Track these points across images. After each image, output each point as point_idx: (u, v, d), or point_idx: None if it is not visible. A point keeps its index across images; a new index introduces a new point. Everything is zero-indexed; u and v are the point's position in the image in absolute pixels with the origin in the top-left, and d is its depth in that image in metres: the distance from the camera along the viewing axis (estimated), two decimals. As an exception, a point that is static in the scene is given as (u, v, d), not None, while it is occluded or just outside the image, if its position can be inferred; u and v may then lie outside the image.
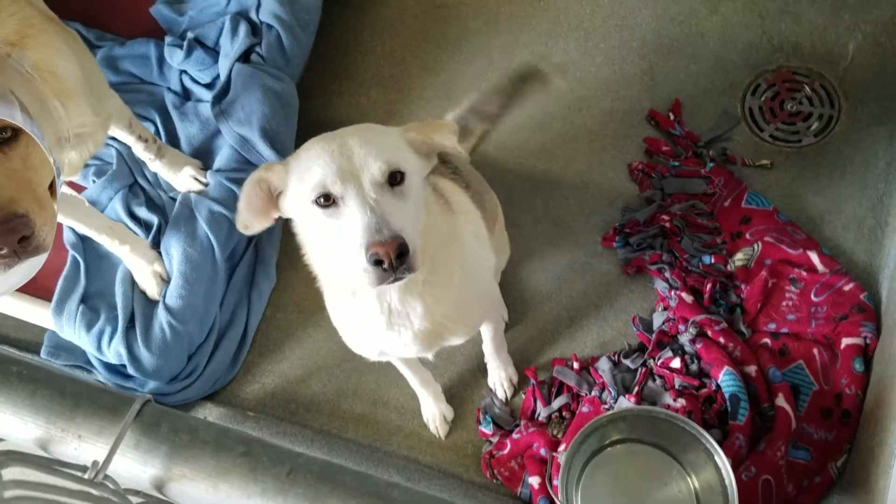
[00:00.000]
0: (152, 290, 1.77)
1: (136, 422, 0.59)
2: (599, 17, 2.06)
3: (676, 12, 2.01)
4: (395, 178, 1.05)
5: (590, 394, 1.68)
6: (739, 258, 1.73)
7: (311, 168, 1.05)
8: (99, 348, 1.73)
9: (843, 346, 1.58)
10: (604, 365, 1.70)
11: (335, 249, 1.07)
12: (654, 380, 1.65)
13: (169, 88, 1.97)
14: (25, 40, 1.21)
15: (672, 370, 1.63)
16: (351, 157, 1.04)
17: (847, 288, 1.63)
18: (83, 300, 1.76)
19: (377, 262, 1.00)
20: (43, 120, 1.19)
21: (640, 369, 1.66)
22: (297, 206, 1.08)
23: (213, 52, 1.92)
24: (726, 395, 1.55)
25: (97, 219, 1.71)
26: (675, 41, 1.99)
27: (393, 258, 0.99)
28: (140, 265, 1.76)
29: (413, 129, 1.16)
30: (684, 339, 1.65)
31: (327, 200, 1.03)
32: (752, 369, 1.59)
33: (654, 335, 1.69)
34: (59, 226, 1.83)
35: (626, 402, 1.61)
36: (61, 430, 0.60)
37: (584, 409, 1.65)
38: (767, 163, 1.83)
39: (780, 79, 1.90)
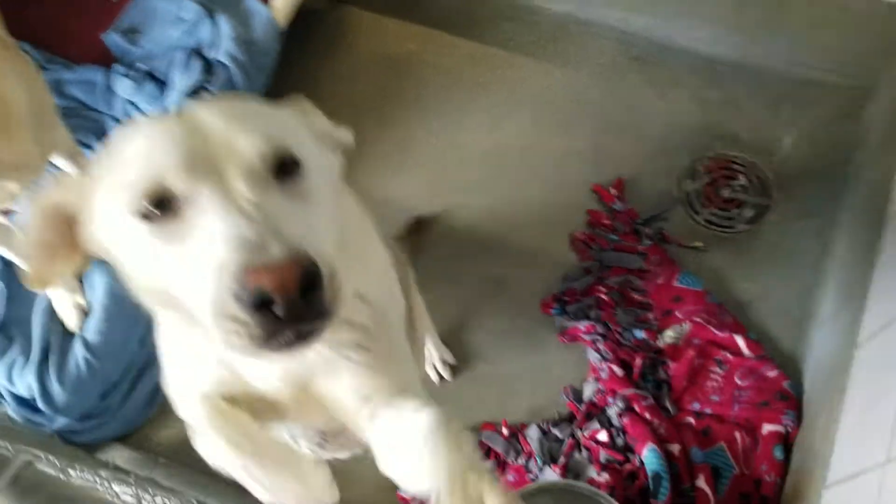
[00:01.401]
0: (72, 321, 1.70)
1: (12, 486, 0.55)
2: (553, 92, 2.12)
3: (625, 94, 2.08)
4: (285, 169, 0.68)
5: (516, 461, 1.66)
6: (669, 335, 1.76)
7: (135, 160, 0.67)
8: (10, 379, 1.64)
9: (764, 432, 1.60)
10: (533, 433, 1.69)
11: (180, 295, 0.65)
12: (581, 451, 1.64)
13: (113, 117, 1.93)
14: None
15: (599, 443, 1.63)
16: (207, 137, 0.67)
17: (771, 374, 1.66)
18: (-2, 327, 1.67)
19: (262, 304, 0.58)
20: None
21: (567, 440, 1.66)
22: (111, 227, 0.69)
23: (163, 85, 1.89)
24: (649, 473, 1.56)
25: (23, 243, 1.64)
26: (621, 121, 2.05)
27: (294, 292, 0.58)
28: (61, 294, 1.69)
29: (314, 112, 0.84)
30: (612, 411, 1.66)
31: (161, 208, 0.64)
32: (675, 448, 1.59)
33: (583, 406, 1.69)
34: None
35: (551, 473, 1.60)
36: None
37: (510, 477, 1.63)
38: (701, 245, 1.88)
39: (717, 166, 1.97)
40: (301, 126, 0.78)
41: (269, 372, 0.83)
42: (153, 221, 0.65)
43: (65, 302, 1.69)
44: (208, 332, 0.63)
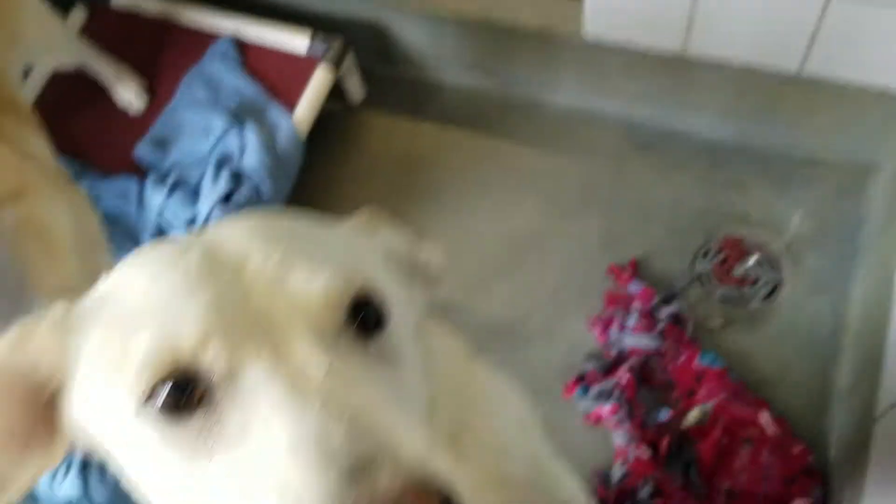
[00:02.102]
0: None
1: None
2: (561, 179, 2.20)
3: (633, 179, 2.16)
4: (364, 320, 0.48)
5: (548, 549, 1.67)
6: (694, 416, 1.79)
7: (136, 317, 0.47)
8: (51, 487, 1.68)
9: (794, 508, 1.62)
10: (562, 520, 1.70)
11: None
12: (612, 536, 1.66)
13: (146, 226, 2.02)
14: (20, 197, 1.26)
15: (630, 527, 1.64)
16: (248, 277, 0.47)
17: (795, 451, 1.68)
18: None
19: None
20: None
21: (598, 525, 1.67)
22: (107, 415, 0.47)
23: (194, 194, 1.99)
24: (683, 556, 1.57)
25: None
26: (631, 205, 2.13)
27: None
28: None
29: (388, 228, 0.66)
30: (643, 494, 1.68)
31: (184, 394, 0.44)
32: (707, 529, 1.61)
33: (612, 490, 1.71)
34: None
35: (584, 560, 1.61)
36: None
37: (542, 564, 1.64)
38: (718, 324, 1.92)
39: (728, 244, 2.03)
40: (375, 252, 0.58)
41: None
42: (169, 415, 0.43)
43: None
44: None
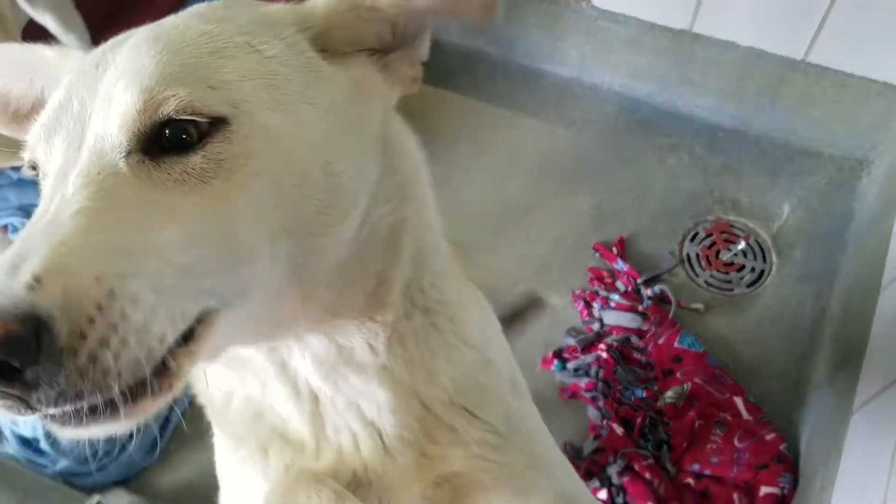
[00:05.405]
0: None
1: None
2: (556, 151, 2.18)
3: (626, 156, 2.14)
4: (176, 133, 0.47)
5: (514, 518, 1.67)
6: (669, 396, 1.79)
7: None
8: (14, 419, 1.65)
9: (761, 493, 1.62)
10: (531, 490, 1.70)
11: None
12: (580, 510, 1.65)
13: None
14: None
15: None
16: (97, 83, 0.48)
17: (768, 437, 1.69)
18: (7, 368, 1.69)
19: None
20: None
21: (566, 497, 1.67)
22: None
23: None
24: (648, 533, 1.57)
25: None
26: (623, 182, 2.11)
27: None
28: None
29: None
30: (612, 470, 1.68)
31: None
32: (674, 508, 1.61)
33: (583, 463, 1.71)
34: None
35: (549, 531, 1.61)
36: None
37: (507, 532, 1.64)
38: (700, 307, 1.91)
39: (717, 229, 2.02)
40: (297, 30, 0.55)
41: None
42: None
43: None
44: None
